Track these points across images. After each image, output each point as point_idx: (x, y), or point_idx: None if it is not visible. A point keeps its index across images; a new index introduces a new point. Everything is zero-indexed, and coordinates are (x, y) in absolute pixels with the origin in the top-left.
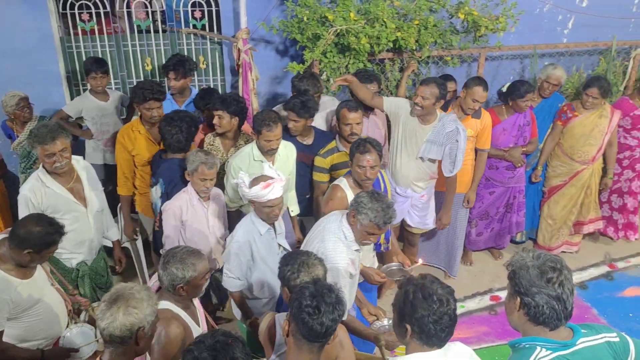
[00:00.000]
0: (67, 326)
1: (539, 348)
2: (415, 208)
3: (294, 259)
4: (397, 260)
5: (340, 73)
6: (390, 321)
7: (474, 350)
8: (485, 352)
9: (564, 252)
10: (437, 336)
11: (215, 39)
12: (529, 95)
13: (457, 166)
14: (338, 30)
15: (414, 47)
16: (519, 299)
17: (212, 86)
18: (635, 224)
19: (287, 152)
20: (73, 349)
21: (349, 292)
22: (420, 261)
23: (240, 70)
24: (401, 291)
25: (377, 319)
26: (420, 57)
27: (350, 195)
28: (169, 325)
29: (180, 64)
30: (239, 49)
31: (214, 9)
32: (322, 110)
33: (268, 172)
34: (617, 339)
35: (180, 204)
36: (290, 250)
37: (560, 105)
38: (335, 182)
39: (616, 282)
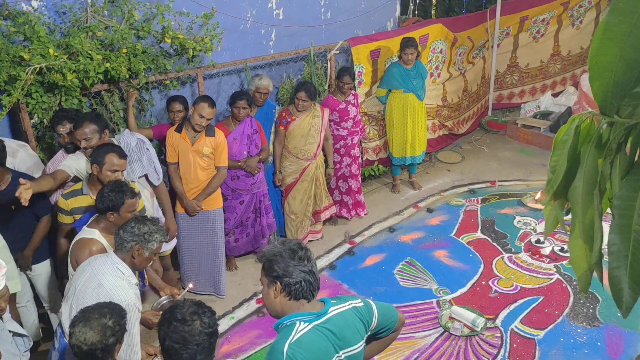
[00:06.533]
0: None
1: (298, 322)
2: None
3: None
4: (165, 294)
5: (54, 112)
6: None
7: (249, 357)
8: (259, 355)
9: (311, 240)
10: None
11: None
12: (240, 103)
13: (159, 174)
14: (37, 69)
15: (128, 76)
16: (279, 284)
17: None
18: (362, 202)
19: None
20: None
21: (137, 330)
22: (190, 285)
23: None
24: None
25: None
26: (139, 84)
27: (106, 243)
28: None
29: None
30: None
31: None
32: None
33: None
34: (362, 304)
35: None
36: (22, 332)
37: (274, 111)
38: (87, 237)
39: (357, 256)
